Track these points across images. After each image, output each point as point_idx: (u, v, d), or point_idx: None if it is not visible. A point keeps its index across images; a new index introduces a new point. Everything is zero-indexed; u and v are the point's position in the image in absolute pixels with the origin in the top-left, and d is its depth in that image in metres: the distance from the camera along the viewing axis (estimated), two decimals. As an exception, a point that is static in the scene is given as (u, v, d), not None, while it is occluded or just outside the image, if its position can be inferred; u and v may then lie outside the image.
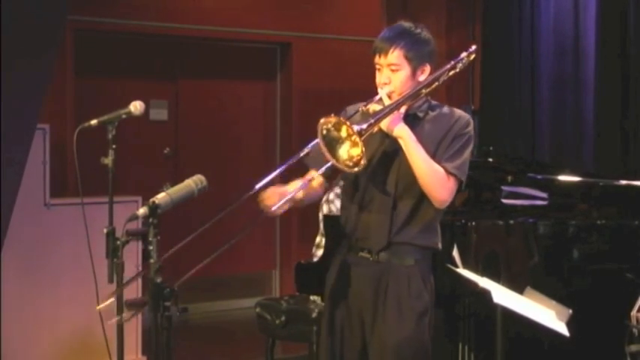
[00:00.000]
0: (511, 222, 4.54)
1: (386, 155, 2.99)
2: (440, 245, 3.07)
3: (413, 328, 2.95)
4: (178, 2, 6.79)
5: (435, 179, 2.92)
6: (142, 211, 2.64)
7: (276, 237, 7.54)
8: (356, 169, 2.74)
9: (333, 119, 2.73)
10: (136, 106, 3.09)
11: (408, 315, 2.95)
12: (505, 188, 5.03)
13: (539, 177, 5.02)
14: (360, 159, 2.71)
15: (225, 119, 7.34)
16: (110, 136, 3.00)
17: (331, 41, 7.18)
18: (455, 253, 3.44)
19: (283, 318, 4.51)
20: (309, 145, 2.84)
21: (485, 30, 7.31)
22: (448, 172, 2.94)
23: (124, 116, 3.06)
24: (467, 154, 3.01)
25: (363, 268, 3.00)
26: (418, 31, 3.00)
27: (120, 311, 2.90)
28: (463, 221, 4.43)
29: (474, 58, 3.16)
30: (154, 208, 2.64)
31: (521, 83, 6.84)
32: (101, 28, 6.52)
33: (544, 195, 5.02)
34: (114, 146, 2.99)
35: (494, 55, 7.13)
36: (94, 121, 3.02)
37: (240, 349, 6.13)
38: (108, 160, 2.98)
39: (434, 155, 2.94)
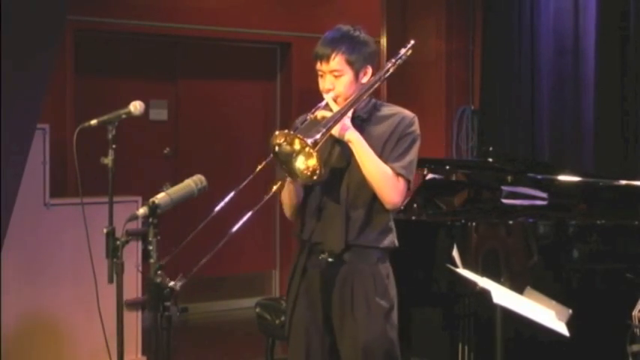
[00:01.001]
0: (511, 222, 4.54)
1: (336, 161, 3.03)
2: (397, 243, 3.09)
3: (382, 325, 2.99)
4: (178, 2, 6.79)
5: (386, 181, 2.95)
6: (142, 211, 2.64)
7: (275, 237, 7.54)
8: (315, 177, 2.77)
9: (284, 134, 2.76)
10: (136, 106, 3.09)
11: (376, 312, 2.99)
12: (505, 188, 5.03)
13: (538, 177, 5.03)
14: (317, 169, 2.74)
15: (225, 119, 7.34)
16: (110, 136, 3.00)
17: (331, 41, 7.17)
18: (455, 253, 3.45)
19: (283, 318, 4.50)
20: (263, 163, 2.85)
21: (485, 30, 7.31)
22: (396, 173, 2.96)
23: (123, 116, 3.06)
24: (413, 153, 3.03)
25: (325, 270, 3.02)
26: (357, 33, 3.03)
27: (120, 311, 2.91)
28: (463, 221, 4.43)
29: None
30: (153, 208, 2.64)
31: (520, 83, 6.84)
32: (101, 28, 6.52)
33: (544, 195, 5.03)
34: (114, 146, 2.98)
35: (494, 55, 7.13)
36: (93, 121, 3.02)
37: (239, 349, 6.13)
38: (108, 160, 2.98)
39: (380, 156, 2.97)
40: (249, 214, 2.81)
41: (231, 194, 2.82)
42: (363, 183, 2.97)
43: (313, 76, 3.08)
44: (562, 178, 4.89)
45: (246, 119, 7.44)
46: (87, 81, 6.55)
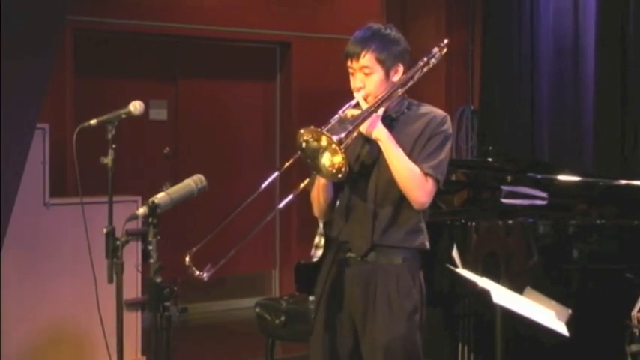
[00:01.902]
0: (510, 222, 4.54)
1: (366, 160, 3.02)
2: (427, 245, 3.06)
3: (403, 326, 2.96)
4: (178, 2, 6.79)
5: (413, 181, 2.92)
6: (142, 210, 2.65)
7: (275, 237, 7.54)
8: (340, 176, 2.77)
9: (310, 130, 2.76)
10: (136, 106, 3.10)
11: (398, 313, 2.96)
12: (504, 188, 5.03)
13: (538, 177, 5.02)
14: (342, 166, 2.73)
15: (224, 119, 7.34)
16: (110, 135, 3.00)
17: (331, 41, 7.17)
18: (454, 253, 3.44)
19: (283, 318, 4.51)
20: (292, 159, 2.86)
21: (485, 30, 7.31)
22: (425, 173, 2.94)
23: (123, 116, 3.06)
24: (444, 153, 3.00)
25: (351, 268, 3.02)
26: (388, 31, 3.01)
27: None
28: (463, 221, 4.43)
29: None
30: (153, 208, 2.65)
31: (520, 83, 6.84)
32: (101, 28, 6.52)
33: (543, 195, 5.02)
34: (113, 146, 2.99)
35: (493, 55, 7.14)
36: (93, 121, 3.02)
37: (239, 348, 6.13)
38: (107, 160, 2.98)
39: (410, 155, 2.95)
40: (279, 207, 2.85)
41: (257, 192, 2.84)
42: (391, 182, 2.94)
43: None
44: (562, 178, 4.89)
45: (245, 119, 7.45)
46: (87, 81, 6.55)
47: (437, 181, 2.97)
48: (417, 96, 3.15)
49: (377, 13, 7.44)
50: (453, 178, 5.20)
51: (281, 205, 2.86)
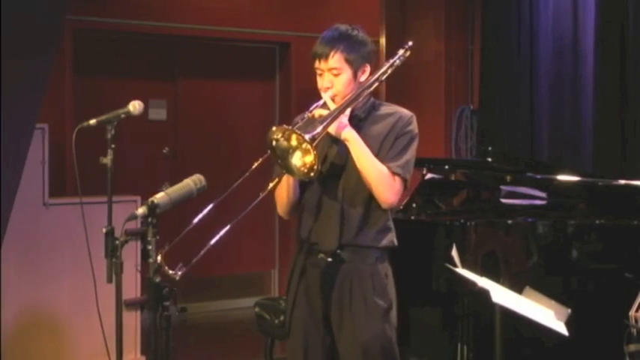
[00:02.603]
0: (510, 222, 4.54)
1: (334, 160, 3.03)
2: (396, 242, 3.09)
3: (380, 324, 3.00)
4: (177, 2, 6.79)
5: (382, 180, 2.95)
6: (141, 210, 2.65)
7: (275, 237, 7.55)
8: (311, 174, 2.77)
9: (281, 129, 2.76)
10: (135, 106, 3.10)
11: (374, 312, 2.99)
12: (504, 188, 5.03)
13: (538, 177, 5.02)
14: (314, 165, 2.74)
15: (224, 119, 7.34)
16: (109, 135, 3.00)
17: (330, 41, 7.17)
18: (454, 252, 3.44)
19: (282, 318, 4.50)
20: (261, 159, 2.86)
21: (484, 30, 7.31)
22: (392, 172, 2.96)
23: (122, 116, 3.06)
24: (410, 153, 3.03)
25: (323, 269, 3.03)
26: (355, 32, 3.05)
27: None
28: (462, 221, 4.43)
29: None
30: (152, 208, 2.65)
31: (520, 83, 6.83)
32: (100, 28, 6.52)
33: (543, 195, 5.03)
34: (113, 146, 2.99)
35: (493, 55, 7.13)
36: (93, 121, 3.02)
37: (239, 348, 6.13)
38: (107, 160, 2.98)
39: (377, 155, 2.97)
40: (245, 211, 2.82)
41: (228, 191, 2.83)
42: (359, 182, 2.97)
43: (312, 76, 3.09)
44: (561, 177, 4.89)
45: (245, 119, 7.44)
46: (86, 80, 6.55)
47: (404, 180, 3.01)
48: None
49: (376, 13, 7.45)
50: (453, 177, 5.20)
51: (251, 206, 2.84)
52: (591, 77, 6.27)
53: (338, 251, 3.00)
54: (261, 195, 2.89)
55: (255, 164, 2.86)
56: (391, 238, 3.08)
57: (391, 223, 3.09)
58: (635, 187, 4.71)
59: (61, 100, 6.17)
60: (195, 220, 2.76)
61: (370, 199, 3.00)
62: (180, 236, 2.74)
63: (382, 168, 2.96)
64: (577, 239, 4.51)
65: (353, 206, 3.00)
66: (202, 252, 2.74)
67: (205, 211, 2.77)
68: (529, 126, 6.77)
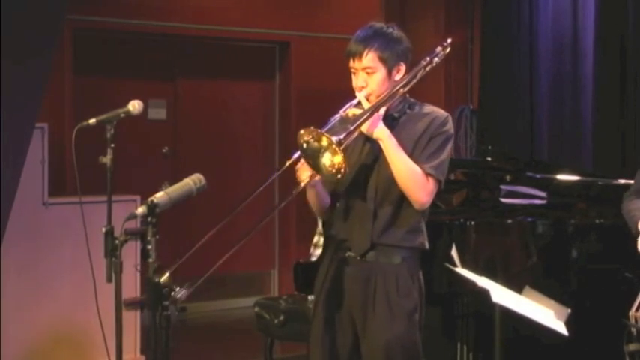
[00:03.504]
0: (510, 221, 4.54)
1: (367, 159, 3.02)
2: (427, 245, 3.06)
3: (403, 325, 2.96)
4: (177, 1, 6.79)
5: (414, 181, 2.92)
6: (141, 210, 2.64)
7: (274, 236, 7.54)
8: (339, 176, 2.76)
9: (310, 131, 2.75)
10: (135, 106, 3.09)
11: (398, 313, 2.96)
12: (504, 187, 5.03)
13: (537, 176, 5.02)
14: (342, 167, 2.73)
15: (223, 118, 7.34)
16: (109, 135, 3.00)
17: (330, 41, 7.17)
18: (453, 252, 3.44)
19: (282, 317, 4.51)
20: (292, 159, 2.86)
21: (484, 29, 7.31)
22: (426, 173, 2.93)
23: (122, 115, 3.06)
24: (445, 154, 2.99)
25: (350, 267, 3.01)
26: (390, 30, 3.00)
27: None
28: (462, 220, 4.43)
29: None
30: (152, 208, 2.64)
31: (519, 82, 6.84)
32: (100, 28, 6.52)
33: (543, 194, 5.02)
34: (112, 145, 2.99)
35: (492, 55, 7.13)
36: (92, 120, 3.02)
37: (238, 348, 6.13)
38: (106, 160, 2.98)
39: (411, 155, 2.94)
40: (270, 215, 2.81)
41: (247, 200, 2.80)
42: (391, 182, 2.94)
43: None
44: (561, 177, 4.90)
45: (244, 118, 7.45)
46: (86, 80, 6.55)
47: (438, 182, 2.97)
48: (417, 95, 3.14)
49: (376, 13, 7.44)
50: (452, 177, 5.20)
51: (275, 210, 2.86)
52: (591, 77, 6.27)
53: (367, 250, 2.98)
54: (284, 202, 2.88)
55: (287, 164, 2.85)
56: (422, 240, 3.03)
57: (423, 225, 3.04)
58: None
59: (61, 100, 6.17)
60: (207, 236, 2.72)
61: (402, 199, 2.96)
62: (189, 253, 2.71)
63: (415, 168, 2.92)
64: (577, 239, 4.51)
65: (384, 205, 2.98)
66: (207, 274, 2.71)
67: (219, 226, 2.73)
68: (529, 126, 6.77)
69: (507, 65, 6.93)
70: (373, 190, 2.99)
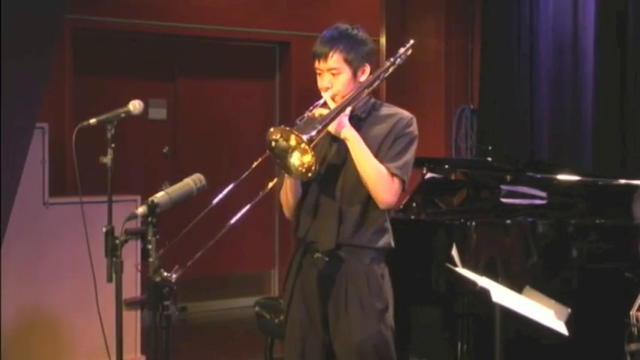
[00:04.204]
0: (510, 221, 4.54)
1: (333, 159, 3.03)
2: (392, 244, 3.09)
3: (375, 325, 2.99)
4: (177, 1, 6.79)
5: (380, 180, 2.94)
6: (141, 210, 2.64)
7: (275, 236, 7.54)
8: (309, 175, 2.77)
9: (280, 129, 2.76)
10: (135, 105, 3.09)
11: (370, 313, 2.98)
12: (504, 187, 5.03)
13: (537, 176, 5.02)
14: (312, 165, 2.74)
15: (224, 118, 7.34)
16: (109, 135, 3.00)
17: (330, 40, 7.17)
18: (454, 252, 3.44)
19: (282, 317, 4.50)
20: (260, 159, 2.88)
21: (484, 29, 7.31)
22: (391, 173, 2.95)
23: (123, 115, 3.06)
24: (410, 154, 3.02)
25: (320, 269, 3.03)
26: (355, 32, 3.03)
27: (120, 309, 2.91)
28: (462, 220, 4.43)
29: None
30: (152, 207, 2.64)
31: (520, 82, 6.84)
32: (100, 27, 6.52)
33: (543, 194, 5.02)
34: (113, 145, 2.99)
35: (493, 55, 7.14)
36: (93, 120, 3.02)
37: (239, 348, 6.13)
38: (107, 159, 2.98)
39: (376, 155, 2.97)
40: (245, 209, 2.83)
41: (228, 189, 2.84)
42: (358, 182, 2.96)
43: (312, 76, 3.09)
44: (561, 177, 4.89)
45: (245, 118, 7.44)
46: (86, 80, 6.55)
47: (402, 182, 3.00)
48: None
49: (376, 13, 7.44)
50: (453, 177, 5.20)
51: (251, 204, 2.86)
52: (591, 77, 6.27)
53: (335, 251, 3.00)
54: (261, 194, 2.89)
55: (255, 164, 2.88)
56: (388, 240, 3.07)
57: (388, 225, 3.08)
58: (635, 186, 4.70)
59: (61, 100, 6.17)
60: (194, 221, 2.75)
61: (368, 200, 2.99)
62: (178, 238, 2.74)
63: (381, 168, 2.95)
64: (577, 239, 4.51)
65: (351, 206, 3.00)
66: (199, 253, 2.75)
67: (205, 211, 2.77)
68: (529, 126, 6.77)
69: (507, 65, 6.93)
70: (339, 190, 3.01)
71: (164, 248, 2.66)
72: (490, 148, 5.59)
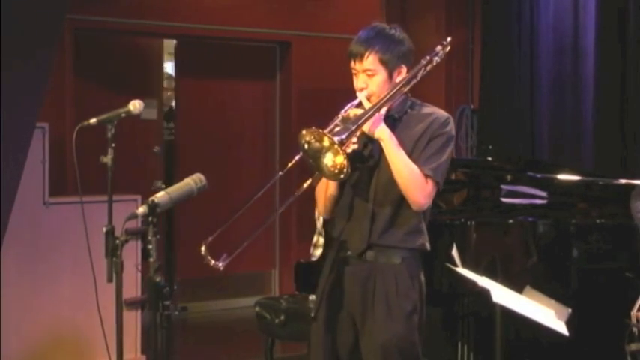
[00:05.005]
0: (510, 221, 4.54)
1: (368, 160, 3.01)
2: (428, 246, 3.06)
3: (402, 326, 2.97)
4: (177, 1, 6.79)
5: (413, 182, 2.91)
6: (142, 210, 2.65)
7: (275, 236, 7.54)
8: (342, 176, 2.77)
9: (312, 131, 2.75)
10: (135, 105, 3.10)
11: (396, 313, 2.96)
12: (504, 187, 5.03)
13: (538, 176, 5.02)
14: (344, 167, 2.73)
15: (224, 118, 7.34)
16: (109, 134, 3.00)
17: (331, 40, 7.17)
18: (454, 252, 3.44)
19: (282, 317, 4.51)
20: (294, 160, 2.87)
21: (485, 29, 7.31)
22: (425, 175, 2.92)
23: (123, 115, 3.06)
24: (445, 155, 2.98)
25: (351, 267, 3.03)
26: (392, 32, 2.99)
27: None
28: (462, 220, 4.43)
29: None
30: (153, 207, 2.65)
31: (520, 82, 6.84)
32: (100, 27, 6.51)
33: (543, 194, 5.02)
34: (113, 145, 2.99)
35: (493, 55, 7.13)
36: (93, 120, 3.02)
37: (239, 348, 6.13)
38: (107, 159, 2.98)
39: (410, 156, 2.93)
40: (288, 202, 2.91)
41: (265, 188, 2.89)
42: (391, 182, 2.93)
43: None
44: (561, 177, 4.89)
45: (245, 118, 7.44)
46: (86, 80, 6.55)
47: (436, 184, 2.96)
48: (417, 95, 3.14)
49: (377, 13, 7.43)
50: (453, 177, 5.20)
51: (285, 205, 2.88)
52: (592, 76, 6.27)
53: (366, 250, 2.99)
54: (296, 194, 2.91)
55: (290, 164, 2.88)
56: (422, 241, 3.03)
57: (423, 226, 3.04)
58: (636, 186, 4.70)
59: (61, 100, 6.16)
60: (236, 216, 2.83)
61: (401, 200, 2.95)
62: (222, 228, 2.77)
63: (415, 169, 2.91)
64: (577, 238, 4.50)
65: (383, 206, 2.98)
66: (244, 244, 2.81)
67: (246, 207, 2.84)
68: (529, 125, 6.77)
69: (508, 65, 6.93)
70: (373, 191, 2.99)
71: (208, 240, 2.75)
72: (490, 147, 5.58)
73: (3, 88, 3.92)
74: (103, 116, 3.03)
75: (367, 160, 2.99)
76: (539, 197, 5.03)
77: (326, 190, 3.04)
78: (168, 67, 7.16)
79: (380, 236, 2.98)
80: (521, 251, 4.48)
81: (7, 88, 3.94)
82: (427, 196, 2.95)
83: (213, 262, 2.68)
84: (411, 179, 2.91)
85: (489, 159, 5.29)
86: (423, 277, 3.06)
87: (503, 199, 5.03)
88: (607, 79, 6.15)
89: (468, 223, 4.37)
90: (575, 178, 4.90)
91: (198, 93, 7.23)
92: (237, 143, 7.35)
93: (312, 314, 3.13)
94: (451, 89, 7.54)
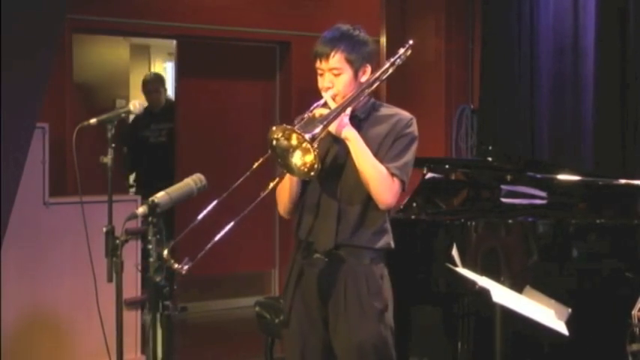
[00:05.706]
0: (510, 221, 4.54)
1: (333, 159, 3.04)
2: (392, 245, 3.09)
3: (375, 325, 3.00)
4: (178, 1, 6.79)
5: (380, 181, 2.94)
6: (142, 210, 2.64)
7: (275, 236, 7.54)
8: (312, 173, 2.77)
9: (281, 128, 2.76)
10: (135, 105, 3.10)
11: (370, 313, 2.99)
12: (504, 187, 5.03)
13: (538, 176, 5.02)
14: (314, 164, 2.74)
15: (224, 118, 7.34)
16: (109, 134, 3.01)
17: (330, 40, 7.17)
18: (454, 252, 3.44)
19: (282, 317, 4.50)
20: (262, 159, 2.87)
21: (485, 29, 7.30)
22: (391, 174, 2.96)
23: (123, 115, 3.06)
24: (409, 155, 3.03)
25: (320, 269, 3.04)
26: (357, 32, 3.04)
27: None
28: (462, 220, 4.43)
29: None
30: (153, 207, 2.64)
31: (520, 82, 6.83)
32: (100, 27, 6.52)
33: (543, 194, 5.02)
34: (113, 145, 2.99)
35: (493, 54, 7.13)
36: (93, 120, 3.03)
37: (239, 348, 6.13)
38: (107, 159, 2.98)
39: (375, 156, 2.97)
40: (245, 212, 2.82)
41: (230, 189, 2.83)
42: (358, 182, 2.97)
43: (313, 75, 3.09)
44: (561, 177, 4.89)
45: (245, 118, 7.44)
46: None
47: (402, 182, 3.01)
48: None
49: (377, 13, 7.44)
50: (453, 177, 5.20)
51: (252, 205, 2.86)
52: (592, 77, 6.27)
53: (334, 251, 3.00)
54: (262, 194, 2.89)
55: (257, 164, 2.87)
56: (388, 240, 3.08)
57: (388, 226, 3.09)
58: (636, 186, 4.70)
59: (61, 100, 6.17)
60: (199, 217, 2.77)
61: (368, 200, 2.99)
62: (184, 233, 2.75)
63: (381, 168, 2.96)
64: (577, 238, 4.50)
65: (350, 206, 3.00)
66: (207, 247, 2.74)
67: (209, 207, 2.78)
68: (529, 125, 6.76)
69: (508, 65, 6.92)
70: (339, 191, 3.02)
71: (170, 244, 2.67)
72: (490, 147, 5.58)
73: (3, 88, 3.92)
74: (103, 116, 3.03)
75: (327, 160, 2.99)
76: (539, 197, 5.03)
77: (288, 189, 3.06)
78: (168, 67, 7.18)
79: (350, 237, 3.00)
80: (522, 251, 4.48)
81: (7, 88, 3.93)
82: (394, 195, 3.00)
83: (176, 265, 2.66)
84: (379, 178, 2.94)
85: (489, 159, 5.28)
86: (387, 274, 3.09)
87: (503, 199, 5.03)
88: (607, 80, 6.14)
89: (468, 223, 4.37)
90: (575, 178, 4.90)
91: (198, 93, 7.24)
92: (237, 143, 7.35)
93: (283, 320, 3.14)
94: (451, 89, 7.53)
